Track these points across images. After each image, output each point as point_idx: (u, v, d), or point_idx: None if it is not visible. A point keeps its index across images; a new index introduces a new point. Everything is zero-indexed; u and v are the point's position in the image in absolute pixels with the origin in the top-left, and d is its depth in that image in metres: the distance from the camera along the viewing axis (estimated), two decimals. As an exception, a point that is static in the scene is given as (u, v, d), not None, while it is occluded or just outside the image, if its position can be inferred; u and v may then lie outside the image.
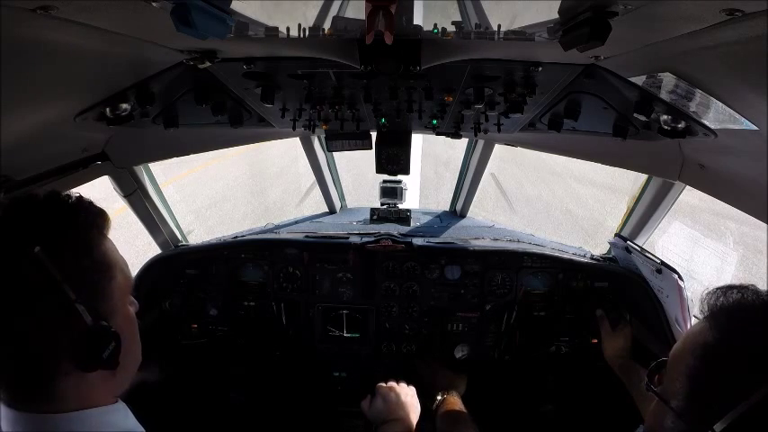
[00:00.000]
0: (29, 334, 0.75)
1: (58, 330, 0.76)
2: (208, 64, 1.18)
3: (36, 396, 0.78)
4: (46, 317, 0.75)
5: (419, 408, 1.71)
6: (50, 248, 0.75)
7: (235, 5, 0.80)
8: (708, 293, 0.83)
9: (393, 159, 2.09)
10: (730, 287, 0.81)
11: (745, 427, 0.69)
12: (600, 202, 8.39)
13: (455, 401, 1.80)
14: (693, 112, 1.14)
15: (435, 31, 1.00)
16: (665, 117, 1.25)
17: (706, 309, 0.82)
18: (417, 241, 2.36)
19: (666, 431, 0.82)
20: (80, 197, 0.85)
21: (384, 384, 1.73)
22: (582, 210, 8.14)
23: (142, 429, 0.88)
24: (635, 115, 1.27)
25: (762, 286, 0.80)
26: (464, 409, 1.76)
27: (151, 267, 2.32)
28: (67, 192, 0.85)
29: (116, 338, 0.81)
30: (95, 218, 0.84)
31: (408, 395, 1.70)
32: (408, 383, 1.77)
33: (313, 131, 1.94)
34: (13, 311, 0.74)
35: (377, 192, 2.70)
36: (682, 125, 1.24)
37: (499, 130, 1.73)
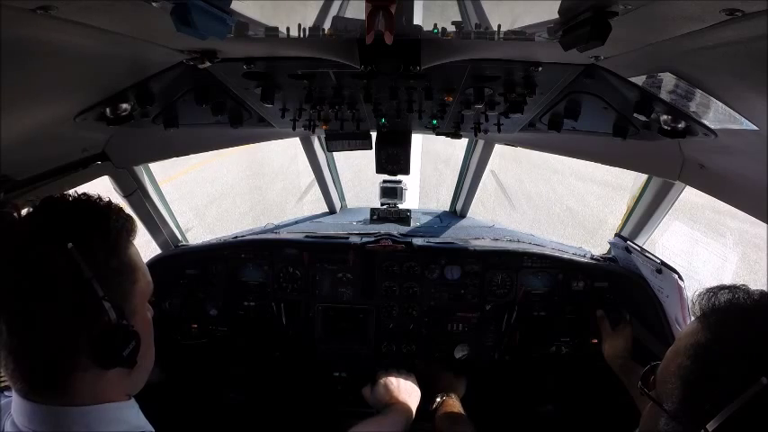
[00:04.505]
0: (53, 328, 0.77)
1: (82, 326, 0.78)
2: (208, 64, 1.18)
3: (53, 389, 0.80)
4: (72, 312, 0.77)
5: (419, 393, 1.77)
6: (82, 246, 0.78)
7: (235, 5, 0.80)
8: (699, 294, 0.83)
9: (393, 159, 2.09)
10: (721, 287, 0.81)
11: (736, 425, 0.69)
12: (601, 199, 8.39)
13: (453, 403, 1.81)
14: (693, 112, 1.14)
15: (435, 31, 1.00)
16: (664, 117, 1.24)
17: (698, 309, 0.82)
18: (417, 241, 2.36)
19: None
20: (110, 201, 0.89)
21: (385, 372, 1.80)
22: (583, 207, 8.14)
23: (152, 428, 0.89)
24: (635, 115, 1.27)
25: (762, 285, 0.80)
26: (462, 411, 1.78)
27: (151, 267, 2.29)
28: (98, 195, 0.88)
29: (136, 338, 0.84)
30: (125, 222, 0.88)
31: (408, 381, 1.77)
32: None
33: (313, 131, 1.94)
34: (41, 304, 0.76)
35: (377, 191, 2.70)
36: (682, 125, 1.23)
37: (499, 130, 1.73)
